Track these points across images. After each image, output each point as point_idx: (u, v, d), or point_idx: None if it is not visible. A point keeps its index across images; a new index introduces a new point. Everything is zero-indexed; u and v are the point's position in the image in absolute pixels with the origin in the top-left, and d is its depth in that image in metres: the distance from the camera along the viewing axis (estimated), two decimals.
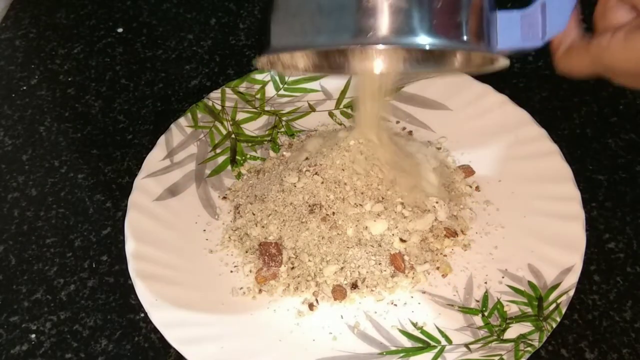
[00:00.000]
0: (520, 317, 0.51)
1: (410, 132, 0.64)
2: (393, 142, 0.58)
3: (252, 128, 0.66)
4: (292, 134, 0.66)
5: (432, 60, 0.51)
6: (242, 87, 0.68)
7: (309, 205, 0.56)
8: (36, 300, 0.57)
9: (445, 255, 0.56)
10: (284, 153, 0.63)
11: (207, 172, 0.63)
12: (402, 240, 0.55)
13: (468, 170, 0.61)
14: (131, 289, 0.54)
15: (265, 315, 0.54)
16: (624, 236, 0.57)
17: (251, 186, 0.61)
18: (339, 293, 0.54)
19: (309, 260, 0.55)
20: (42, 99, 0.73)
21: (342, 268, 0.55)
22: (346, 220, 0.55)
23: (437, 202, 0.57)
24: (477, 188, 0.60)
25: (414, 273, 0.55)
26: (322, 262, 0.55)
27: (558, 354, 0.51)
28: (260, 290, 0.55)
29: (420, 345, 0.51)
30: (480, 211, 0.59)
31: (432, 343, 0.51)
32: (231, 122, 0.66)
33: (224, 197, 0.62)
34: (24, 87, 0.74)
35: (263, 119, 0.66)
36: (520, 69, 0.70)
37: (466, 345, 0.50)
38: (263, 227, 0.57)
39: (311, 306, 0.54)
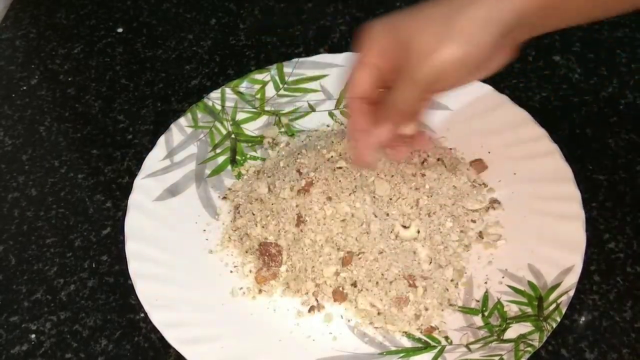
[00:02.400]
0: (521, 317, 0.51)
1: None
2: None
3: (252, 128, 0.66)
4: (292, 134, 0.65)
5: None
6: (242, 87, 0.68)
7: (299, 216, 0.56)
8: (36, 300, 0.57)
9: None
10: (283, 152, 0.63)
11: (207, 172, 0.63)
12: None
13: (480, 165, 0.61)
14: (131, 289, 0.54)
15: (265, 315, 0.54)
16: (624, 236, 0.57)
17: (251, 186, 0.61)
18: (339, 295, 0.54)
19: (310, 260, 0.55)
20: (42, 99, 0.73)
21: (342, 269, 0.55)
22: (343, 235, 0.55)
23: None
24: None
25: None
26: (322, 264, 0.54)
27: (558, 354, 0.51)
28: (260, 291, 0.55)
29: (421, 345, 0.51)
30: (480, 211, 0.59)
31: (432, 343, 0.51)
32: (231, 122, 0.66)
33: (224, 197, 0.61)
34: (24, 87, 0.74)
35: (263, 119, 0.66)
36: (520, 69, 0.70)
37: (466, 346, 0.50)
38: (263, 227, 0.57)
39: (312, 309, 0.54)
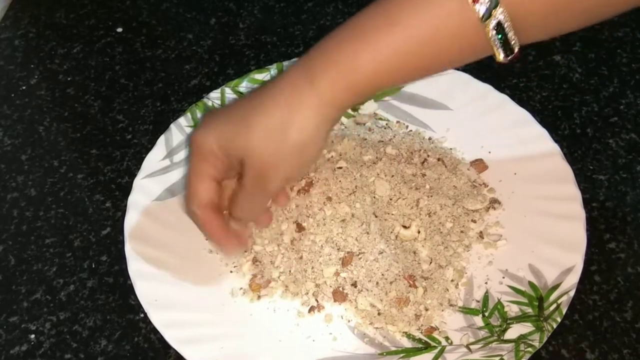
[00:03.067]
0: (521, 318, 0.51)
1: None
2: None
3: None
4: None
5: None
6: (242, 86, 0.68)
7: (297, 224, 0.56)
8: (35, 301, 0.57)
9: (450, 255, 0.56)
10: None
11: None
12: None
13: (481, 165, 0.61)
14: (131, 289, 0.54)
15: (265, 315, 0.54)
16: (624, 236, 0.57)
17: None
18: (339, 295, 0.54)
19: (309, 260, 0.55)
20: (42, 99, 0.73)
21: (342, 269, 0.54)
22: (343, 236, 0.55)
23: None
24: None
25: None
26: (322, 264, 0.54)
27: (558, 355, 0.51)
28: (259, 297, 0.55)
29: (421, 345, 0.51)
30: (480, 211, 0.59)
31: (433, 343, 0.51)
32: None
33: None
34: (24, 87, 0.74)
35: None
36: (520, 69, 0.70)
37: (467, 346, 0.50)
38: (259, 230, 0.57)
39: (312, 309, 0.54)
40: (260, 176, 0.47)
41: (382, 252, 0.54)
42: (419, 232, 0.56)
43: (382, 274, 0.53)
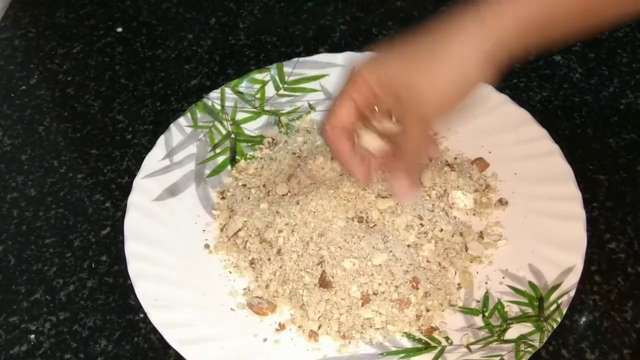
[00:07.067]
0: (521, 318, 0.51)
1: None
2: None
3: (252, 128, 0.66)
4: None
5: None
6: (242, 86, 0.68)
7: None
8: (35, 301, 0.57)
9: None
10: (282, 152, 0.63)
11: (207, 172, 0.63)
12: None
13: (482, 164, 0.61)
14: (130, 289, 0.54)
15: (265, 315, 0.54)
16: (624, 236, 0.57)
17: (245, 185, 0.61)
18: (325, 283, 0.53)
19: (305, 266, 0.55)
20: (42, 99, 0.73)
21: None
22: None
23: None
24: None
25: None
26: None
27: (559, 355, 0.51)
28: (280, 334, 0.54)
29: (421, 345, 0.51)
30: (481, 211, 0.59)
31: (433, 343, 0.51)
32: (231, 122, 0.66)
33: (223, 198, 0.61)
34: (23, 87, 0.74)
35: (263, 119, 0.66)
36: (520, 69, 0.70)
37: (467, 346, 0.50)
38: (255, 238, 0.57)
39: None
40: (421, 106, 0.49)
41: (379, 265, 0.53)
42: (420, 234, 0.55)
43: (387, 283, 0.53)
